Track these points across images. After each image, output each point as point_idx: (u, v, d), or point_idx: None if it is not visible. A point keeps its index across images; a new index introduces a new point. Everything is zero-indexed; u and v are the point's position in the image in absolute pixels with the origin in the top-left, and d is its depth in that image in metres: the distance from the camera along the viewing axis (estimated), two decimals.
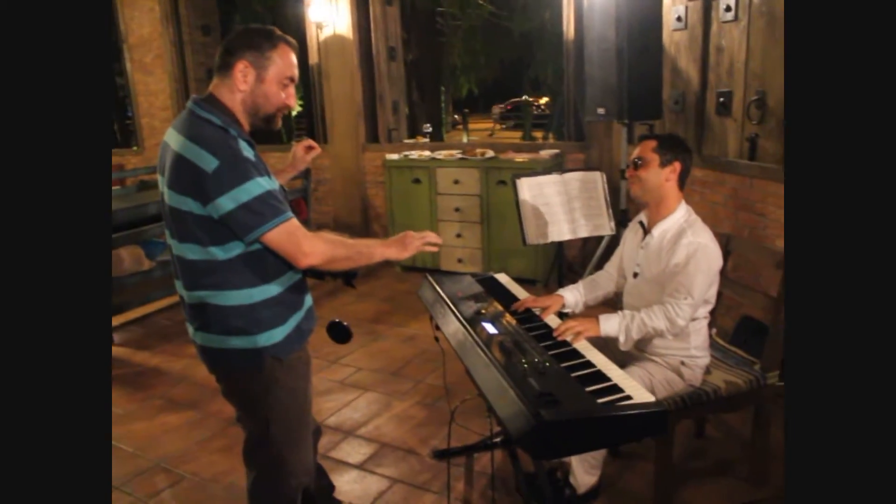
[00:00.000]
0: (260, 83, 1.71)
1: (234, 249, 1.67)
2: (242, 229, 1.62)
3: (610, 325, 2.16)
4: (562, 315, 2.39)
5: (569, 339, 2.09)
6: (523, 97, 19.21)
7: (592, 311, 2.41)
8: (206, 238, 1.65)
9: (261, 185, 1.61)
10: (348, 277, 1.89)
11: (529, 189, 3.37)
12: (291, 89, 1.77)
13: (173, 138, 1.66)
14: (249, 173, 1.60)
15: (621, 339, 2.18)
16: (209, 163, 1.57)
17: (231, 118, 1.69)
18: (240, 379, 1.81)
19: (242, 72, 1.69)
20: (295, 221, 1.67)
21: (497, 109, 23.52)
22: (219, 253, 1.67)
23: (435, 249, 1.93)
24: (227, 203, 1.58)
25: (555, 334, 2.10)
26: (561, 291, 2.49)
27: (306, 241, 1.67)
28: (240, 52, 1.69)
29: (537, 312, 2.31)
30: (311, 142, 2.23)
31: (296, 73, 1.77)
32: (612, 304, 2.57)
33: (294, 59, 1.77)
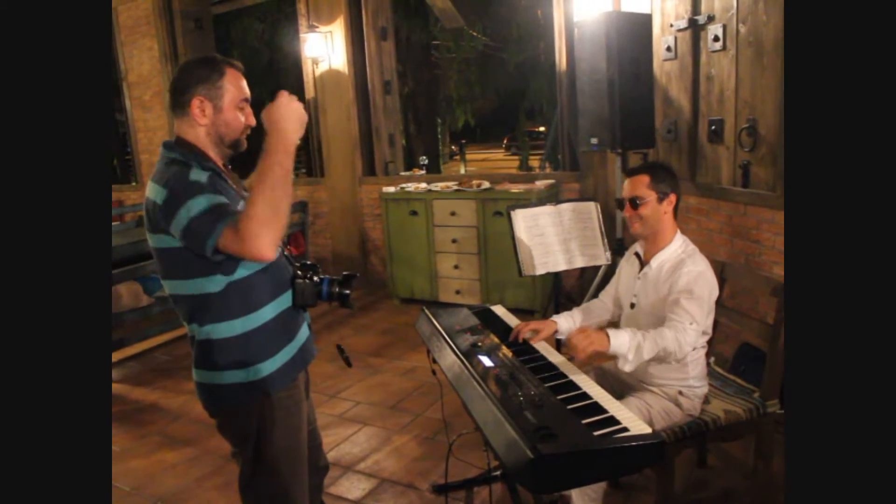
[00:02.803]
0: (219, 113, 1.73)
1: (216, 280, 1.67)
2: (197, 249, 1.59)
3: (620, 341, 2.04)
4: (558, 346, 2.38)
5: (577, 355, 2.01)
6: (541, 127, 19.42)
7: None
8: (186, 271, 1.67)
9: (201, 202, 1.58)
10: (343, 299, 1.88)
11: (524, 220, 3.38)
12: (248, 109, 1.80)
13: (148, 185, 1.70)
14: (191, 193, 1.59)
15: (630, 356, 2.04)
16: (161, 195, 1.61)
17: (196, 153, 1.71)
18: (230, 414, 1.80)
19: (199, 107, 1.72)
20: (232, 224, 1.55)
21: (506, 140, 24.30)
22: (201, 286, 1.68)
23: None
24: (176, 229, 1.59)
25: (565, 350, 2.06)
26: (555, 317, 2.48)
27: (243, 239, 1.51)
28: (191, 88, 1.71)
29: (528, 337, 2.30)
30: None
31: (248, 93, 1.79)
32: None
33: (243, 80, 1.79)
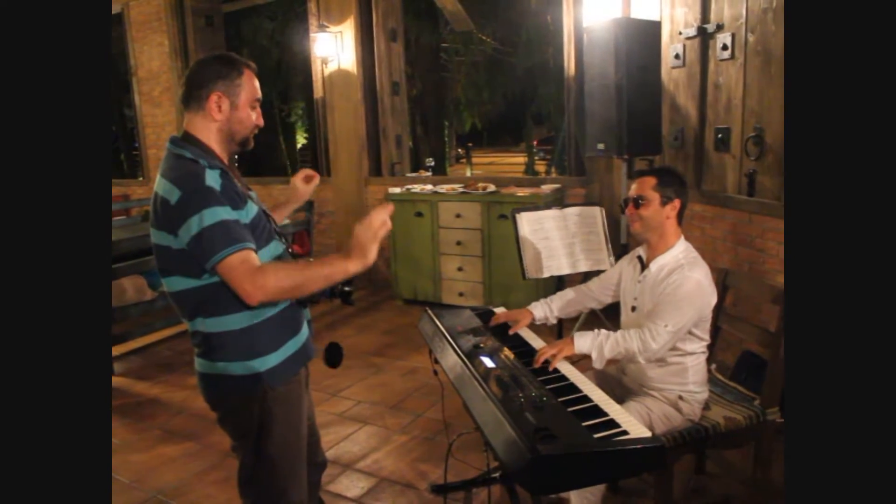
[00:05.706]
0: (234, 110, 1.76)
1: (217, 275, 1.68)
2: (200, 259, 1.61)
3: (583, 342, 2.19)
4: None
5: (548, 362, 2.12)
6: (562, 133, 19.40)
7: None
8: (188, 268, 1.68)
9: (216, 214, 1.60)
10: (345, 296, 1.90)
11: (529, 224, 3.40)
12: (259, 109, 1.84)
13: (157, 180, 1.72)
14: (207, 202, 1.60)
15: (593, 355, 2.19)
16: (174, 195, 1.62)
17: (204, 150, 1.73)
18: (232, 406, 1.82)
19: (217, 103, 1.74)
20: (245, 254, 1.60)
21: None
22: (205, 280, 1.69)
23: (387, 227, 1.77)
24: (185, 234, 1.61)
25: (535, 365, 2.12)
26: (530, 306, 2.55)
27: (252, 277, 1.58)
28: (210, 84, 1.74)
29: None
30: (309, 171, 2.25)
31: (260, 93, 1.83)
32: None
33: (257, 81, 1.83)
